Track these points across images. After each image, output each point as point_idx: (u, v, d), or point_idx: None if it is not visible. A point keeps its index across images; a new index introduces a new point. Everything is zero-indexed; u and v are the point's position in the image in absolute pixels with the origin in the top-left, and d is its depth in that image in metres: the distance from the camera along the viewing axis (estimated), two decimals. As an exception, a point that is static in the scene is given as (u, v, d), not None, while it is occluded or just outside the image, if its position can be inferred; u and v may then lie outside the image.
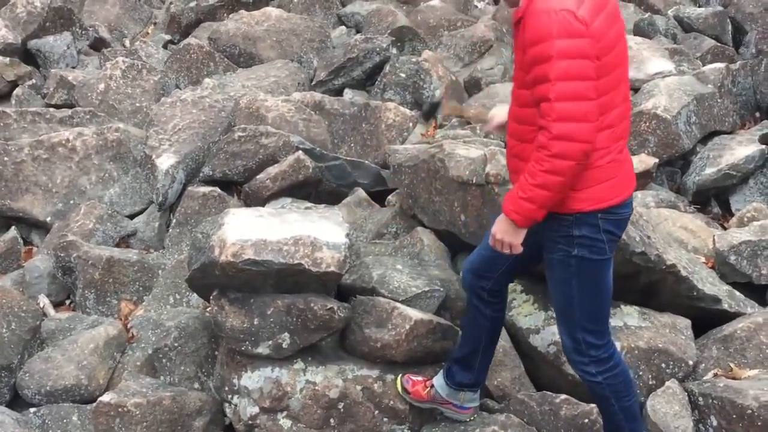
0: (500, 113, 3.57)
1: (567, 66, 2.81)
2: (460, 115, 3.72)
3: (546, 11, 2.82)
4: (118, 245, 5.52)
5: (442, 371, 3.74)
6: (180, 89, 7.01)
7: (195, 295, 4.54)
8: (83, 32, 8.68)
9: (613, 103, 2.99)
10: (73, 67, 8.07)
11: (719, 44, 7.59)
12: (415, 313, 3.91)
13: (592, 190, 3.03)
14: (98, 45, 8.66)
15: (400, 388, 3.83)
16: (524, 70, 2.96)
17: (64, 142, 5.93)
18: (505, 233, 3.08)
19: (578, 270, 3.13)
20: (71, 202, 5.80)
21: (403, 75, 6.90)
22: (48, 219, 5.74)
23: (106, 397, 3.85)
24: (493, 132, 3.70)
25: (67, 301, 5.19)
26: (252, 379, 3.86)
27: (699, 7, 8.64)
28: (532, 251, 3.18)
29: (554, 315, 3.91)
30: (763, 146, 5.79)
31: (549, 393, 3.78)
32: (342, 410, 3.85)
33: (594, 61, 2.85)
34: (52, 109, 6.61)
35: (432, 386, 3.75)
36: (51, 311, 4.87)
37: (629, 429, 3.36)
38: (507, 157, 3.30)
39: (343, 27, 8.68)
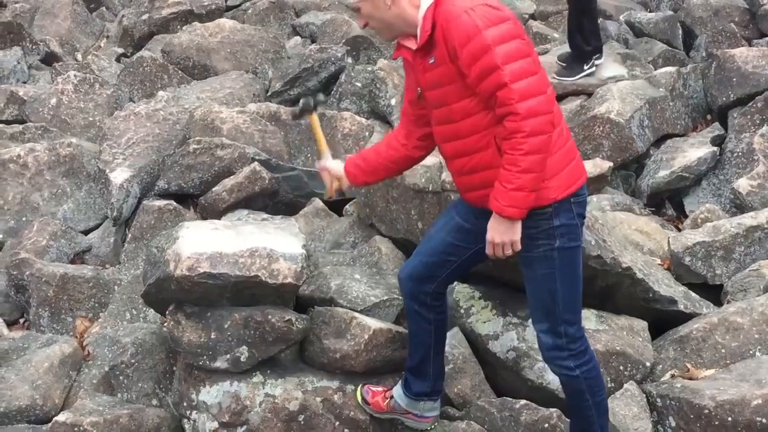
0: (336, 170, 3.65)
1: (506, 49, 2.92)
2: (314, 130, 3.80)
3: (463, 11, 2.95)
4: (72, 262, 5.44)
5: (400, 381, 3.73)
6: (134, 102, 6.95)
7: (152, 310, 4.48)
8: (34, 47, 8.56)
9: (547, 79, 3.09)
10: (24, 82, 7.95)
11: (670, 48, 7.69)
12: (373, 323, 3.90)
13: (561, 175, 3.11)
14: (49, 59, 8.53)
15: (360, 399, 3.81)
16: (460, 77, 3.01)
17: (15, 158, 5.83)
18: (504, 234, 3.08)
19: (560, 261, 3.19)
20: (24, 219, 5.70)
21: (358, 84, 6.90)
22: (0, 237, 5.64)
23: (61, 417, 3.77)
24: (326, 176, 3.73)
25: (21, 320, 5.10)
26: (210, 393, 3.82)
27: (650, 12, 8.75)
28: (477, 254, 3.26)
29: (513, 320, 3.94)
30: (715, 148, 5.87)
31: (509, 399, 3.78)
32: (302, 423, 3.81)
33: (524, 38, 3.01)
34: (2, 125, 6.52)
35: (391, 397, 3.73)
36: (4, 330, 4.78)
37: (599, 425, 3.40)
38: (458, 178, 3.31)
39: (298, 37, 8.66)
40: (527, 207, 3.02)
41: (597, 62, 6.61)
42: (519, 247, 3.12)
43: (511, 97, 2.91)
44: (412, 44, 3.13)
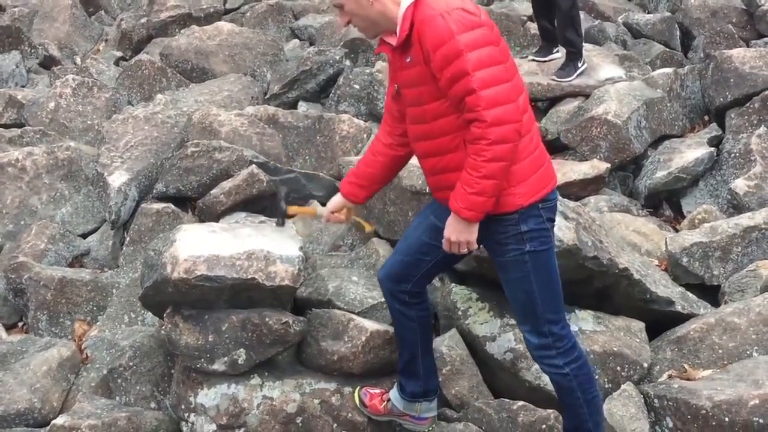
0: (334, 203, 3.68)
1: (478, 55, 2.93)
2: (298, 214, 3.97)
3: (438, 15, 2.96)
4: (71, 265, 5.44)
5: (396, 384, 3.73)
6: (132, 106, 6.96)
7: (150, 313, 4.48)
8: (32, 50, 8.58)
9: (519, 88, 3.09)
10: (23, 86, 7.97)
11: (668, 49, 7.71)
12: (371, 325, 3.90)
13: (529, 182, 3.13)
14: (48, 63, 8.56)
15: (357, 402, 3.81)
16: (433, 79, 3.03)
17: (13, 162, 5.83)
18: (461, 233, 3.13)
19: (533, 265, 3.21)
20: (22, 222, 5.71)
21: (356, 86, 6.91)
22: (-2, 240, 5.65)
23: (60, 420, 3.77)
24: (336, 220, 3.77)
25: (20, 324, 5.10)
26: (208, 396, 3.82)
27: (648, 13, 8.77)
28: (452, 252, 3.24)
29: (510, 321, 3.94)
30: (712, 149, 5.88)
31: (506, 400, 3.78)
32: (300, 425, 3.82)
33: (497, 45, 3.02)
34: (0, 129, 6.52)
35: (388, 399, 3.74)
36: (2, 334, 4.78)
37: (592, 422, 3.40)
38: (430, 178, 3.32)
39: (297, 40, 8.68)
40: (484, 211, 3.06)
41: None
42: (474, 246, 3.17)
43: (479, 104, 2.93)
44: (393, 40, 3.15)
